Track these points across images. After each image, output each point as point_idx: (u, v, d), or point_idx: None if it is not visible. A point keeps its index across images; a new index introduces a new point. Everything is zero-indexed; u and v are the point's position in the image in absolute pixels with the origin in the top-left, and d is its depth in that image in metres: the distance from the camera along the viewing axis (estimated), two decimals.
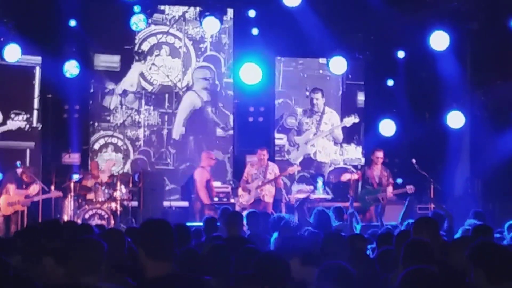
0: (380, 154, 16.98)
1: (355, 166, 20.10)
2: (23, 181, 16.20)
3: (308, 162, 19.87)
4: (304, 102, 20.16)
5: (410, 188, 16.62)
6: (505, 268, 5.16)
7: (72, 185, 16.61)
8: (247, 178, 16.54)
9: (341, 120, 20.06)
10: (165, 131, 19.39)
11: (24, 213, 16.24)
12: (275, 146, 19.79)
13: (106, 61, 19.07)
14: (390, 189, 16.77)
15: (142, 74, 19.27)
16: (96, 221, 15.70)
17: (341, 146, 20.17)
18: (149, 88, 19.34)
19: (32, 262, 6.27)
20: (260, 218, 10.84)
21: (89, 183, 17.01)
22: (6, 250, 6.92)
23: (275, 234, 9.65)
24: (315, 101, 20.09)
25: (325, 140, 20.13)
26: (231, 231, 9.44)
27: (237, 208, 16.05)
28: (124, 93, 19.17)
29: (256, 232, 10.13)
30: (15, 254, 6.88)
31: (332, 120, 20.17)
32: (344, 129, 20.12)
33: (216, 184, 18.32)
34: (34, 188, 16.15)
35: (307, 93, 20.17)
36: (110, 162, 17.96)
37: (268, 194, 16.49)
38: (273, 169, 16.59)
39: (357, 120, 20.02)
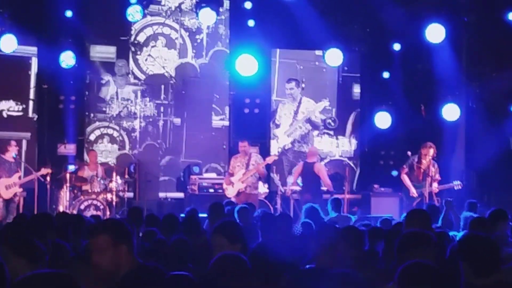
0: (426, 151, 16.03)
1: (350, 158, 20.15)
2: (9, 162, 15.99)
3: (287, 152, 19.93)
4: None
5: (457, 185, 16.20)
6: (490, 260, 5.17)
7: (67, 175, 16.59)
8: (232, 171, 16.45)
9: (321, 108, 20.16)
10: (161, 122, 19.40)
11: (20, 203, 16.22)
12: (271, 138, 19.81)
13: (102, 52, 19.05)
14: (435, 185, 16.01)
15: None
16: (91, 212, 15.69)
17: (337, 138, 20.20)
18: (144, 79, 19.34)
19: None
20: (249, 211, 10.89)
21: (85, 173, 17.00)
22: None
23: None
24: (288, 91, 20.10)
25: (303, 129, 20.14)
26: (212, 223, 9.48)
27: (233, 200, 16.04)
28: (120, 84, 19.18)
29: (245, 224, 10.13)
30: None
31: (310, 109, 20.17)
32: (340, 120, 20.16)
33: (211, 175, 18.38)
34: (15, 176, 15.90)
35: (303, 85, 20.19)
36: (92, 154, 17.90)
37: (251, 185, 16.26)
38: (256, 160, 16.44)
39: (327, 103, 20.07)
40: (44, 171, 16.16)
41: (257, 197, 16.49)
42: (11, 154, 15.81)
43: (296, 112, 20.10)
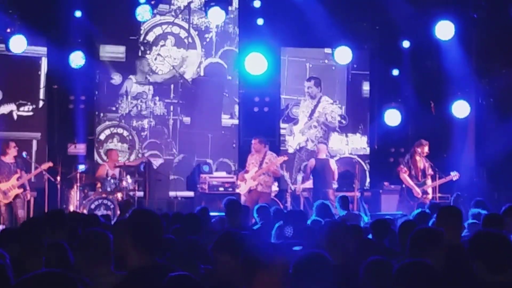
0: (421, 149, 16.07)
1: (360, 156, 20.14)
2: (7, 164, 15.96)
3: (300, 151, 19.91)
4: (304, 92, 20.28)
5: (455, 175, 16.13)
6: (504, 257, 5.10)
7: (78, 175, 16.63)
8: (248, 168, 16.49)
9: (339, 110, 20.18)
10: (170, 122, 19.42)
11: (30, 203, 16.28)
12: (280, 136, 19.82)
13: (111, 51, 19.08)
14: (429, 181, 16.04)
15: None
16: (102, 212, 15.72)
17: (346, 136, 20.20)
18: (154, 78, 19.36)
19: (32, 253, 6.25)
20: (269, 209, 10.92)
21: (106, 172, 17.00)
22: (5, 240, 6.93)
23: (277, 225, 9.69)
24: (307, 89, 20.11)
25: (318, 129, 20.13)
26: (232, 222, 9.47)
27: (242, 198, 16.07)
28: (130, 83, 19.21)
29: (266, 223, 10.17)
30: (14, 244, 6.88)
31: (327, 109, 20.17)
32: (350, 118, 20.15)
33: (221, 174, 18.39)
34: (13, 178, 15.84)
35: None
36: (115, 153, 17.91)
37: (263, 184, 16.22)
38: (270, 159, 16.41)
39: (336, 107, 20.13)
40: (45, 165, 16.21)
41: (269, 196, 16.48)
42: (11, 156, 15.77)
43: (313, 111, 20.11)
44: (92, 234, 5.65)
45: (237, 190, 16.53)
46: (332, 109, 20.16)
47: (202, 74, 19.54)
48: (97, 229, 5.89)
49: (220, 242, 5.56)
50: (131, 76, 19.21)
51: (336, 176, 17.16)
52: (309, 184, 17.89)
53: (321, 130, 20.12)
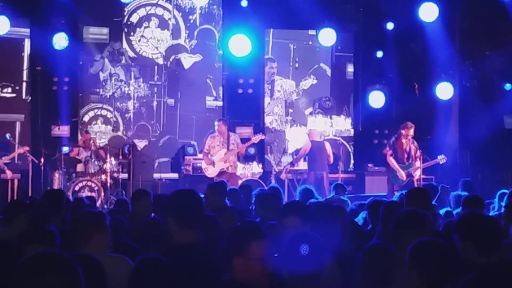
0: (407, 131, 15.56)
1: (344, 138, 20.17)
2: None
3: (266, 131, 19.86)
4: (289, 73, 20.29)
5: (442, 159, 15.83)
6: (493, 239, 5.07)
7: (62, 157, 16.60)
8: (209, 151, 16.18)
9: (297, 85, 20.23)
10: (154, 103, 19.38)
11: (14, 184, 16.24)
12: (264, 118, 19.81)
13: (95, 33, 19.00)
14: (417, 163, 15.60)
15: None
16: (86, 193, 15.69)
17: (331, 118, 20.21)
18: (138, 60, 19.32)
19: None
20: (239, 191, 10.86)
21: (80, 155, 16.99)
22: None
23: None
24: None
25: (280, 108, 20.17)
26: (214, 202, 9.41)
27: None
28: (114, 65, 19.15)
29: (236, 205, 10.09)
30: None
31: (285, 87, 20.20)
32: (334, 100, 20.16)
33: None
34: None
35: (297, 65, 20.24)
36: (87, 136, 17.79)
37: (232, 165, 16.09)
38: (235, 139, 16.25)
39: (315, 81, 20.13)
40: (21, 149, 16.19)
41: (237, 176, 16.44)
42: None
43: (272, 92, 20.15)
44: (86, 214, 5.67)
45: (206, 174, 16.21)
46: (288, 87, 20.22)
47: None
48: (92, 209, 5.92)
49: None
50: (115, 58, 19.14)
51: (332, 159, 17.09)
52: (300, 166, 17.98)
53: (282, 107, 20.18)
